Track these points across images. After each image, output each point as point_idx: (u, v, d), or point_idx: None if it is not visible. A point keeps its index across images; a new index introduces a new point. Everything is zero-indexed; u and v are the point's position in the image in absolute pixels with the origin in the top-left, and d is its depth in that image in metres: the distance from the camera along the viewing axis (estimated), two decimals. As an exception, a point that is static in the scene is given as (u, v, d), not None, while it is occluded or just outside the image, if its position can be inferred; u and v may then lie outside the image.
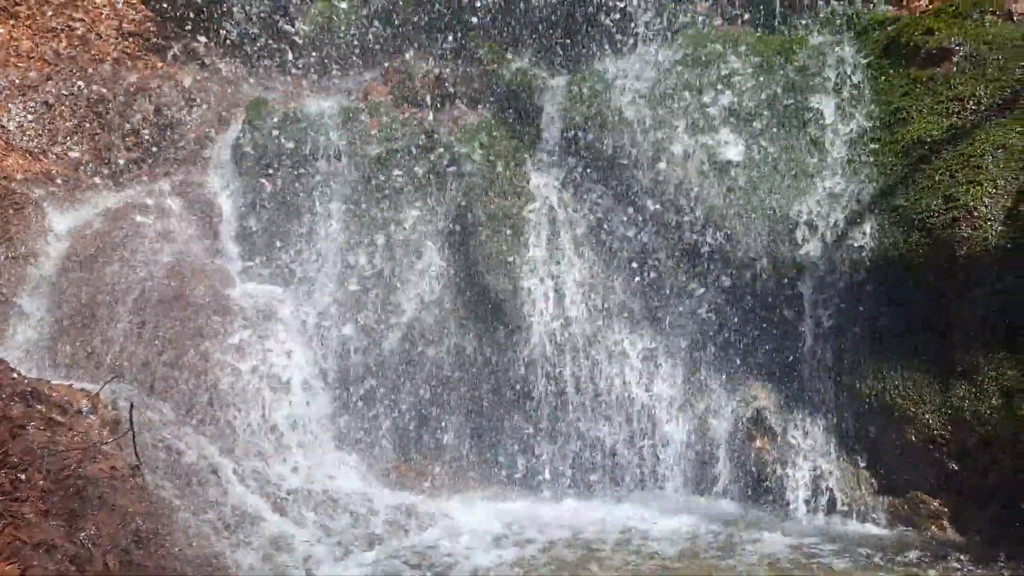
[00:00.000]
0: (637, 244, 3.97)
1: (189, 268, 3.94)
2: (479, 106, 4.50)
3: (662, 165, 3.92)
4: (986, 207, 3.26)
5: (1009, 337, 3.12)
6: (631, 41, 4.47)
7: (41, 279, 3.87)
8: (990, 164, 3.32)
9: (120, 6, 4.89)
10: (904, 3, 4.04)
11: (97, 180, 4.36)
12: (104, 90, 4.55)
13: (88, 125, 4.49)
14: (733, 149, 3.87)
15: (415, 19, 4.80)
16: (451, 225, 4.10)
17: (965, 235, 3.26)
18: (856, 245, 3.53)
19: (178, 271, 3.89)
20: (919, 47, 3.68)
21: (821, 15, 4.22)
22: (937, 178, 3.41)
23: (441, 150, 4.27)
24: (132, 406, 3.10)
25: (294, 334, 3.82)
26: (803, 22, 4.25)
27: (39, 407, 3.02)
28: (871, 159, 3.63)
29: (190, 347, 3.62)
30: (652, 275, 3.93)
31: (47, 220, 4.06)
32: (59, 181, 4.25)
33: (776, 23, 4.31)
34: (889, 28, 3.87)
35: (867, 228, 3.53)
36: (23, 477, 2.56)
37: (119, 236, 3.99)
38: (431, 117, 4.44)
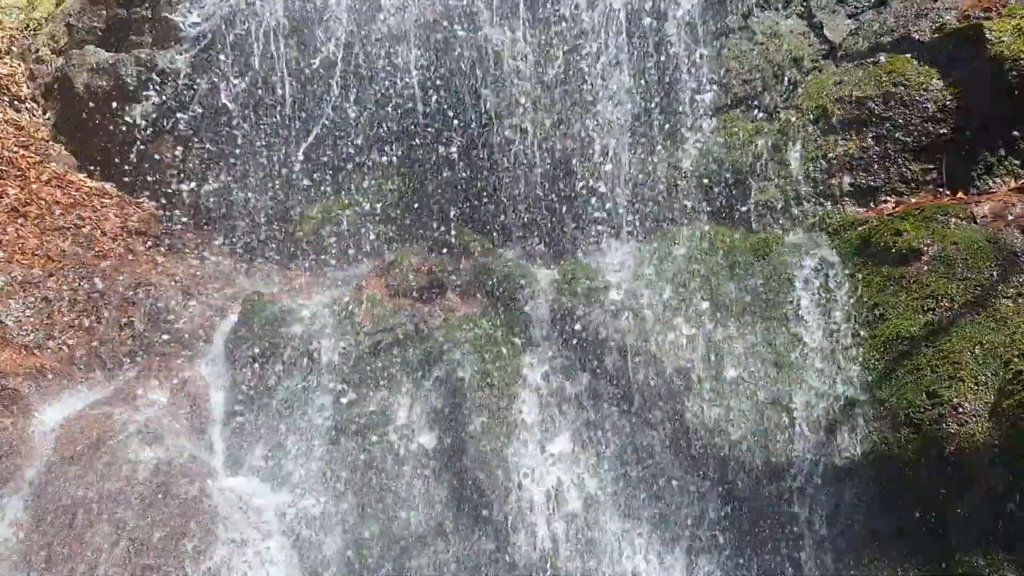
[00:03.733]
0: (629, 437, 3.97)
1: (174, 465, 3.88)
2: (470, 297, 4.62)
3: (648, 354, 3.99)
4: (970, 403, 3.31)
5: (1006, 538, 3.07)
6: (614, 237, 4.66)
7: (24, 478, 3.80)
8: (969, 360, 3.40)
9: (127, 205, 5.11)
10: (872, 206, 4.27)
11: (89, 375, 4.38)
12: (104, 285, 4.66)
13: (85, 319, 4.57)
14: (717, 343, 3.96)
15: (409, 216, 5.01)
16: (442, 419, 4.09)
17: (952, 431, 3.29)
18: (845, 441, 3.54)
19: (163, 469, 3.83)
20: (890, 247, 3.86)
21: (794, 213, 4.44)
22: (919, 374, 3.48)
23: (432, 341, 4.34)
24: (105, 617, 2.96)
25: (279, 538, 3.72)
26: (778, 221, 4.47)
27: (7, 619, 2.89)
28: (853, 354, 3.72)
29: (170, 552, 3.51)
30: (645, 469, 3.90)
31: (36, 416, 4.04)
32: (51, 376, 4.27)
33: (751, 221, 4.52)
34: (860, 228, 4.07)
35: (855, 424, 3.56)
36: None
37: (106, 432, 3.96)
38: (423, 309, 4.54)
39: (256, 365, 4.33)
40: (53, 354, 4.45)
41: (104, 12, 5.58)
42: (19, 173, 5.01)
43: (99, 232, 4.97)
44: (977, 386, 3.34)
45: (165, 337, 4.57)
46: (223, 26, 5.11)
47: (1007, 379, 3.27)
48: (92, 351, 4.50)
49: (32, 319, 4.50)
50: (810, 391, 3.71)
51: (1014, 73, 4.02)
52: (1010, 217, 3.76)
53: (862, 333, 3.75)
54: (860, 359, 3.69)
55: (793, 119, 4.48)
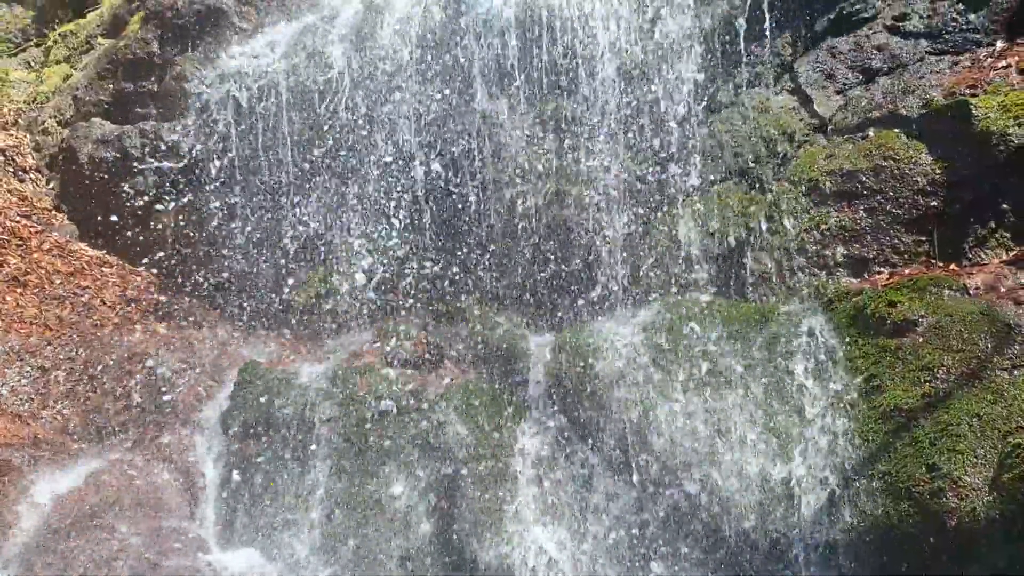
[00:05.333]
0: (628, 507, 3.93)
1: (166, 538, 3.83)
2: (467, 365, 4.62)
3: (648, 426, 3.98)
4: (970, 477, 3.29)
5: (1013, 616, 3.03)
6: (611, 306, 4.68)
7: (14, 551, 3.74)
8: (967, 433, 3.39)
9: (127, 274, 5.14)
10: (865, 276, 4.30)
11: (83, 445, 4.35)
12: (101, 354, 4.66)
13: (81, 388, 4.55)
14: (715, 414, 3.94)
15: (406, 284, 5.04)
16: (438, 489, 4.05)
17: (953, 505, 3.26)
18: (846, 514, 3.51)
19: (154, 542, 3.78)
20: (885, 318, 3.88)
21: (789, 284, 4.47)
22: (918, 446, 3.47)
23: (429, 411, 4.32)
24: None
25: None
26: (774, 291, 4.49)
27: None
28: (851, 426, 3.70)
29: (160, 629, 3.44)
30: (644, 539, 3.85)
31: (28, 487, 3.99)
32: (44, 446, 4.23)
33: (747, 291, 4.55)
34: (855, 299, 4.09)
35: (855, 496, 3.53)
36: None
37: (98, 503, 3.92)
38: (420, 378, 4.54)
39: (251, 435, 4.31)
40: (48, 424, 4.42)
41: (111, 86, 5.71)
42: (20, 242, 5.06)
43: (98, 301, 5.00)
44: (976, 459, 3.32)
45: (161, 407, 4.55)
46: (227, 99, 5.22)
47: (1006, 452, 3.26)
48: (87, 421, 4.48)
49: (28, 388, 4.49)
50: (810, 463, 3.69)
51: (1001, 148, 4.10)
52: (1003, 289, 3.79)
53: (860, 404, 3.74)
54: (859, 431, 3.67)
55: (786, 191, 4.55)
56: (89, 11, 6.72)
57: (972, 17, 4.53)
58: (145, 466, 4.23)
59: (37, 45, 6.81)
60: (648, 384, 4.08)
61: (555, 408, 4.22)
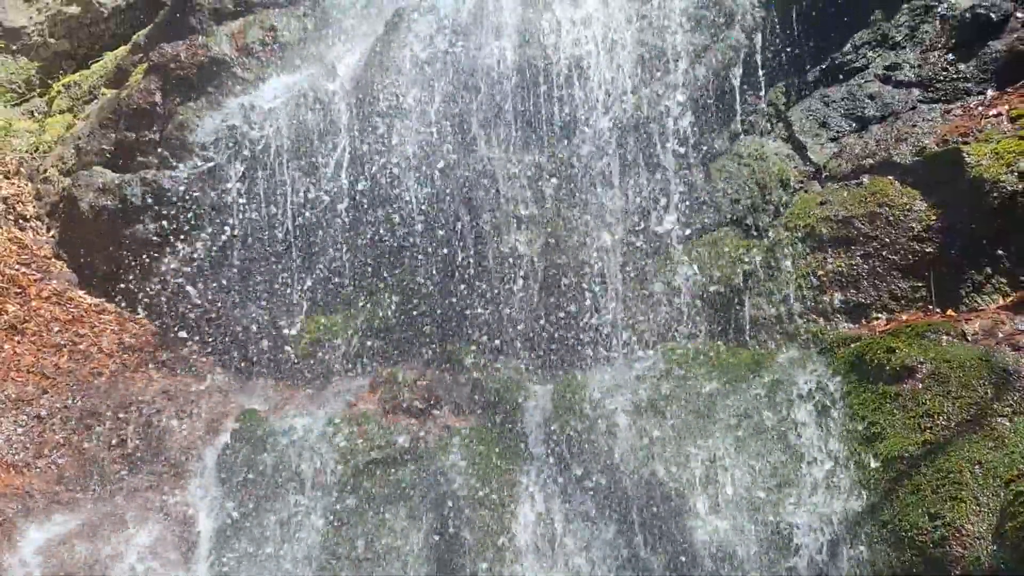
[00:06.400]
0: (629, 556, 3.89)
1: (160, 590, 3.78)
2: (466, 413, 4.60)
3: (647, 474, 3.95)
4: (973, 525, 3.25)
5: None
6: (609, 353, 4.67)
7: (3, 605, 3.69)
8: (969, 480, 3.37)
9: (125, 322, 5.14)
10: (863, 322, 4.31)
11: (78, 495, 4.31)
12: (97, 403, 4.64)
13: (77, 438, 4.53)
14: (716, 462, 3.92)
15: (405, 331, 5.04)
16: (436, 540, 4.01)
17: (957, 554, 3.23)
18: (848, 564, 3.46)
19: (148, 595, 3.73)
20: (883, 365, 3.87)
21: (788, 330, 4.47)
22: (919, 494, 3.44)
23: (426, 460, 4.29)
24: None
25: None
26: (773, 337, 4.49)
27: None
28: (852, 473, 3.68)
29: None
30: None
31: (19, 539, 3.95)
32: (38, 496, 4.19)
33: (746, 337, 4.54)
34: (853, 346, 4.09)
35: (858, 545, 3.49)
36: None
37: (91, 556, 3.87)
38: (418, 425, 4.51)
39: (247, 485, 4.26)
40: (42, 473, 4.38)
41: (113, 135, 5.77)
42: (19, 291, 5.07)
43: (96, 349, 4.99)
44: (979, 507, 3.29)
45: (156, 456, 4.52)
46: (228, 148, 5.28)
47: (1008, 500, 3.23)
48: (82, 471, 4.44)
49: (23, 437, 4.46)
50: (811, 512, 3.65)
51: (994, 195, 4.14)
52: (1000, 335, 3.79)
53: (860, 452, 3.72)
54: (859, 478, 3.65)
55: (782, 237, 4.57)
56: (93, 62, 6.83)
57: (963, 67, 4.61)
58: (140, 516, 4.18)
59: (41, 95, 6.91)
60: (647, 432, 4.06)
61: (554, 456, 4.19)
